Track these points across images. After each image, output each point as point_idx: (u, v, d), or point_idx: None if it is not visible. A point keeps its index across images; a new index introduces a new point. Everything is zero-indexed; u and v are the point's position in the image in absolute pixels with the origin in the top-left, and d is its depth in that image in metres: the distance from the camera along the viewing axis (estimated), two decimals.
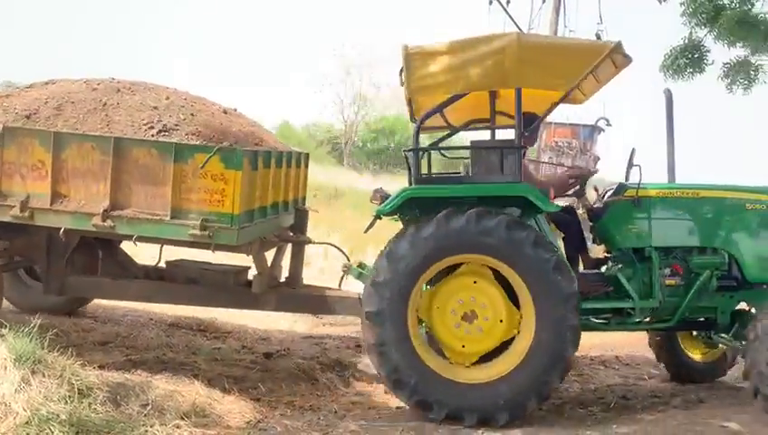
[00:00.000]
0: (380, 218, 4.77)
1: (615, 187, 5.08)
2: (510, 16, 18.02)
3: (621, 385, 5.76)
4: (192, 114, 5.03)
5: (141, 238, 4.80)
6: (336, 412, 4.62)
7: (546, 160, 20.68)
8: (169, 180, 4.61)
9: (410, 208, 4.70)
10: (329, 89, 33.07)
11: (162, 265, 5.71)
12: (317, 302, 5.64)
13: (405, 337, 4.40)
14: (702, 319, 5.15)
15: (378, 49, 49.03)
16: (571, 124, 20.38)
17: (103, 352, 5.32)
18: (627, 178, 5.00)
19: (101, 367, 4.58)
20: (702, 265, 4.90)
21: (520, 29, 18.20)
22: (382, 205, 4.65)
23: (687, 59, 7.30)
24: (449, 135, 6.12)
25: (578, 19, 61.97)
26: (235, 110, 5.91)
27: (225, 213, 4.59)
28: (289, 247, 5.91)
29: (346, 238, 12.12)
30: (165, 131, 4.74)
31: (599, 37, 18.84)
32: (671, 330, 5.31)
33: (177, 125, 4.81)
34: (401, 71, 4.67)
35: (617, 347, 7.31)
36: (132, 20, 60.03)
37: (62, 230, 4.73)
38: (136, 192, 4.68)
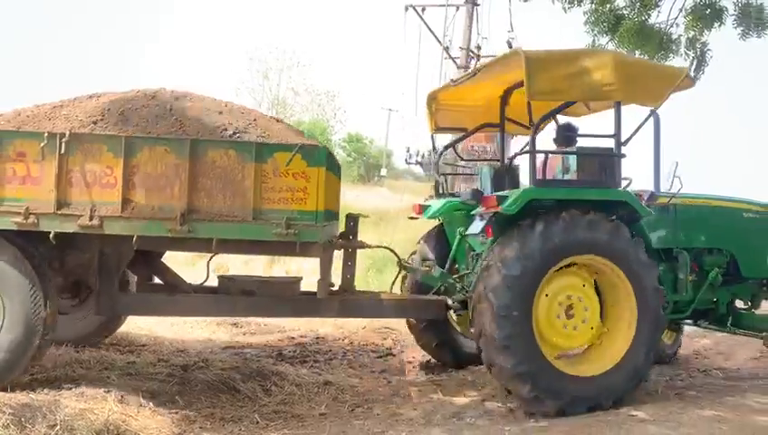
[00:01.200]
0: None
1: (647, 194, 5.48)
2: (425, 23, 18.36)
3: None
4: (254, 119, 4.99)
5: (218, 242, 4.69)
6: (258, 423, 4.54)
7: (463, 165, 21.17)
8: (250, 181, 4.59)
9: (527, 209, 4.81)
10: (246, 93, 32.57)
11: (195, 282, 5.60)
12: (379, 306, 5.66)
13: (530, 331, 4.64)
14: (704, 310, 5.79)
15: (295, 53, 48.66)
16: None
17: None
18: (670, 187, 5.38)
19: (2, 389, 4.33)
20: (712, 263, 5.59)
21: (435, 36, 18.58)
22: (507, 205, 4.72)
23: None
24: (464, 137, 6.56)
25: (490, 26, 63.85)
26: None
27: (308, 211, 4.64)
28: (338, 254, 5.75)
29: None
30: (237, 134, 4.72)
31: (510, 45, 19.49)
32: (683, 320, 5.96)
33: (245, 129, 4.80)
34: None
35: None
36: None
37: (134, 238, 4.55)
38: (213, 194, 4.59)
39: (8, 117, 4.76)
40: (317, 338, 7.18)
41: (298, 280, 5.61)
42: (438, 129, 6.31)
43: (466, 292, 5.31)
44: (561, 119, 5.96)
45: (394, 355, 6.60)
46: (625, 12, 7.86)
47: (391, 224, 15.01)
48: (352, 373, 5.89)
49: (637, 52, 7.62)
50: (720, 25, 7.69)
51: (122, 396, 4.58)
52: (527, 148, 5.21)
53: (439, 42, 18.69)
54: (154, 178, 4.54)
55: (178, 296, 5.30)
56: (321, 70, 65.23)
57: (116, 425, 4.05)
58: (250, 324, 7.84)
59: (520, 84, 5.24)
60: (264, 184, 4.61)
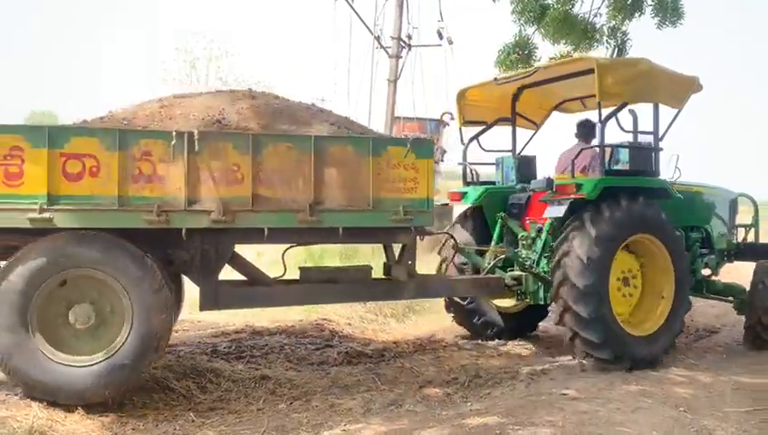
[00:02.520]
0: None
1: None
2: (356, 12, 18.28)
3: (473, 364, 6.06)
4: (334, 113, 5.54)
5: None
6: (194, 421, 4.43)
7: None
8: (368, 173, 5.00)
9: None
10: (173, 84, 31.60)
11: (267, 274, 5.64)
12: (449, 287, 6.23)
13: (609, 304, 5.49)
14: None
15: (223, 43, 47.50)
16: (418, 118, 21.05)
17: None
18: (672, 176, 6.45)
19: None
20: (695, 239, 6.69)
21: (366, 25, 18.54)
22: (588, 192, 5.51)
23: (518, 55, 7.82)
24: (483, 130, 7.22)
25: (420, 16, 64.20)
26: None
27: (419, 198, 5.18)
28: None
29: None
30: (340, 128, 5.28)
31: (440, 35, 19.68)
32: None
33: (347, 126, 5.41)
34: None
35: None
36: None
37: (266, 231, 4.76)
38: (334, 187, 4.94)
39: (98, 122, 4.84)
40: (253, 333, 7.07)
41: (369, 267, 5.79)
42: (466, 122, 7.14)
43: (523, 268, 6.09)
44: (579, 116, 7.04)
45: (332, 347, 6.57)
46: (550, 1, 8.06)
47: None
48: (290, 367, 5.83)
49: (562, 41, 7.83)
50: (640, 15, 8.00)
51: (48, 401, 4.39)
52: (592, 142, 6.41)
53: (370, 31, 18.66)
54: (280, 174, 4.79)
55: (276, 288, 5.43)
56: (251, 60, 64.10)
57: (42, 432, 3.88)
58: (183, 322, 7.64)
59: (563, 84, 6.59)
60: (379, 176, 5.05)
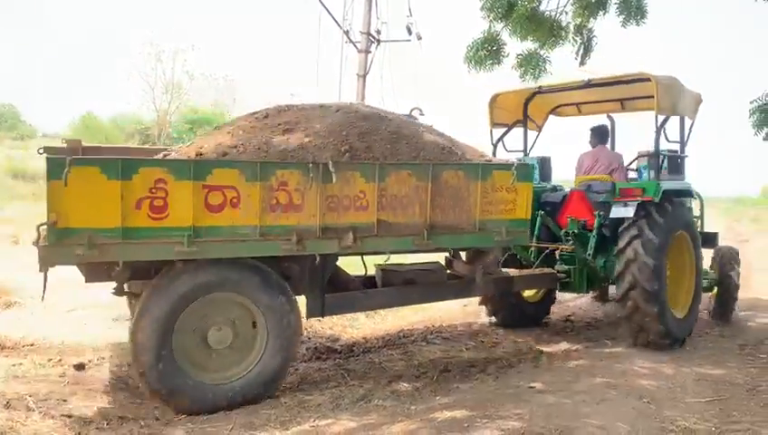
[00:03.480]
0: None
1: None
2: (325, 7, 18.18)
3: (442, 358, 6.10)
4: (440, 134, 5.73)
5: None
6: (158, 419, 4.36)
7: None
8: (475, 196, 5.33)
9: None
10: (138, 77, 31.00)
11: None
12: (515, 282, 6.53)
13: (666, 297, 6.20)
14: None
15: (189, 35, 46.78)
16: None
17: None
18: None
19: None
20: None
21: (335, 20, 18.45)
22: (654, 195, 6.19)
23: (487, 51, 7.85)
24: (506, 132, 7.73)
25: (389, 11, 64.13)
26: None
27: (519, 219, 5.62)
28: None
29: None
30: (459, 155, 5.48)
31: (409, 30, 19.68)
32: None
33: (451, 147, 5.50)
34: None
35: (437, 322, 7.74)
36: None
37: (387, 255, 5.46)
38: (446, 210, 5.24)
39: (209, 147, 4.79)
40: None
41: (441, 265, 6.09)
42: (495, 124, 7.62)
43: (583, 263, 6.78)
44: (594, 121, 7.66)
45: (301, 343, 6.54)
46: None
47: None
48: None
49: (530, 37, 7.89)
50: (605, 13, 8.10)
51: (8, 401, 4.29)
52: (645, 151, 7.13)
53: (339, 26, 18.59)
54: (399, 200, 5.03)
55: (371, 292, 5.64)
56: (218, 54, 63.20)
57: (2, 432, 3.78)
58: None
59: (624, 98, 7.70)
60: (484, 199, 5.39)
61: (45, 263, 4.06)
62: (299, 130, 5.06)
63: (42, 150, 4.61)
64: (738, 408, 4.42)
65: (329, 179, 4.67)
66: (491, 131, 7.60)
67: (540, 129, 8.16)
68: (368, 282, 5.87)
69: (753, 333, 7.31)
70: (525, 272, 6.88)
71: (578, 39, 8.28)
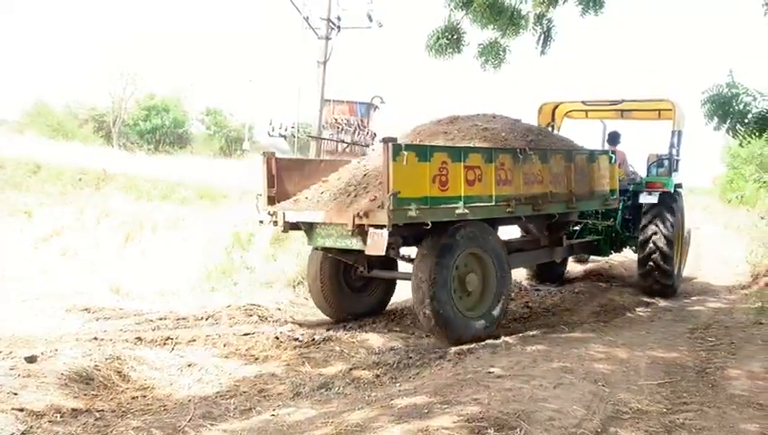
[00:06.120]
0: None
1: None
2: None
3: (403, 346, 6.13)
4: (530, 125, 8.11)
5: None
6: (114, 411, 4.28)
7: (327, 137, 21.12)
8: (592, 173, 7.77)
9: None
10: (91, 64, 30.13)
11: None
12: (573, 247, 9.06)
13: (676, 259, 9.29)
14: None
15: (144, 22, 45.56)
16: (348, 101, 20.92)
17: None
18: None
19: None
20: None
21: (295, 6, 18.22)
22: (671, 187, 8.99)
23: (448, 39, 7.85)
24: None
25: None
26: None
27: (612, 189, 8.22)
28: None
29: (119, 225, 11.25)
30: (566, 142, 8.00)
31: (370, 18, 19.56)
32: None
33: (561, 139, 8.16)
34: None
35: (399, 310, 7.77)
36: None
37: (557, 216, 7.39)
38: (580, 183, 7.47)
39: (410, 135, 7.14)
40: (178, 319, 6.89)
41: (538, 237, 8.22)
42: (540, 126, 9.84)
43: (615, 233, 9.52)
44: (609, 127, 10.16)
45: (261, 332, 6.49)
46: None
47: None
48: (217, 353, 5.72)
49: (490, 26, 7.92)
50: (564, 3, 8.17)
51: None
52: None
53: (299, 11, 18.37)
54: (557, 176, 7.05)
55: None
56: (175, 42, 61.84)
57: None
58: (104, 309, 7.37)
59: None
60: (596, 174, 7.75)
61: (390, 221, 5.35)
62: (483, 130, 6.89)
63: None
64: (688, 389, 4.55)
65: (526, 161, 6.54)
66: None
67: (558, 129, 10.43)
68: None
69: (703, 317, 7.54)
70: (579, 240, 9.31)
71: (537, 29, 8.34)
